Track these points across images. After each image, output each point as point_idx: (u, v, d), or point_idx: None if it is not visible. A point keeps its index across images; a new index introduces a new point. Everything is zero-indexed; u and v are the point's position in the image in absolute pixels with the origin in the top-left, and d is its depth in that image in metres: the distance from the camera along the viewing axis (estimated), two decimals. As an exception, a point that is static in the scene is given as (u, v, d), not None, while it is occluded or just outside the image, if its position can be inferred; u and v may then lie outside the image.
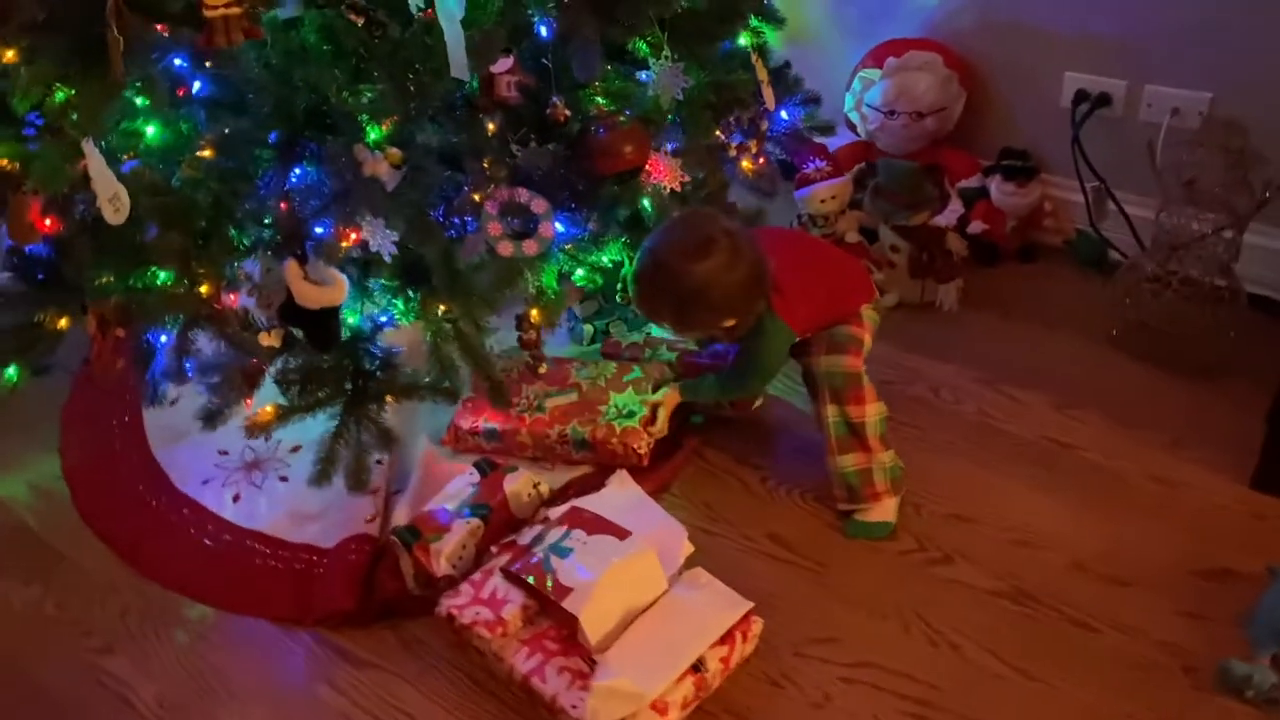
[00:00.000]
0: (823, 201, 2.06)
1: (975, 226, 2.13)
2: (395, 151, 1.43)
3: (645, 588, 1.41)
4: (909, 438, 1.76)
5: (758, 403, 1.84)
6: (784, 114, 1.90)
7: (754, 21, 1.85)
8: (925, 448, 1.76)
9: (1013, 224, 2.15)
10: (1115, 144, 2.01)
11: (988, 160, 2.18)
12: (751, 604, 1.43)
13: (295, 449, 1.85)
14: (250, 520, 1.72)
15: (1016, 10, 2.06)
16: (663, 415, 1.71)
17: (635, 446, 1.69)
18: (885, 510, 1.62)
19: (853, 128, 2.25)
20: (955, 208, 2.14)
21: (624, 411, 1.71)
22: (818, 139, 2.03)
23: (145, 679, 1.50)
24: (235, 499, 1.77)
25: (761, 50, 1.87)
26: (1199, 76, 1.90)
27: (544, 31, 1.47)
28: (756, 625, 1.43)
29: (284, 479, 1.80)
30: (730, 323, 1.55)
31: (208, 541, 1.70)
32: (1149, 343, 1.88)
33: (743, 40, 1.83)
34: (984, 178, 2.17)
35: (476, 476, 1.64)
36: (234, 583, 1.62)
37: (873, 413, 1.60)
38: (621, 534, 1.44)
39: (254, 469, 1.82)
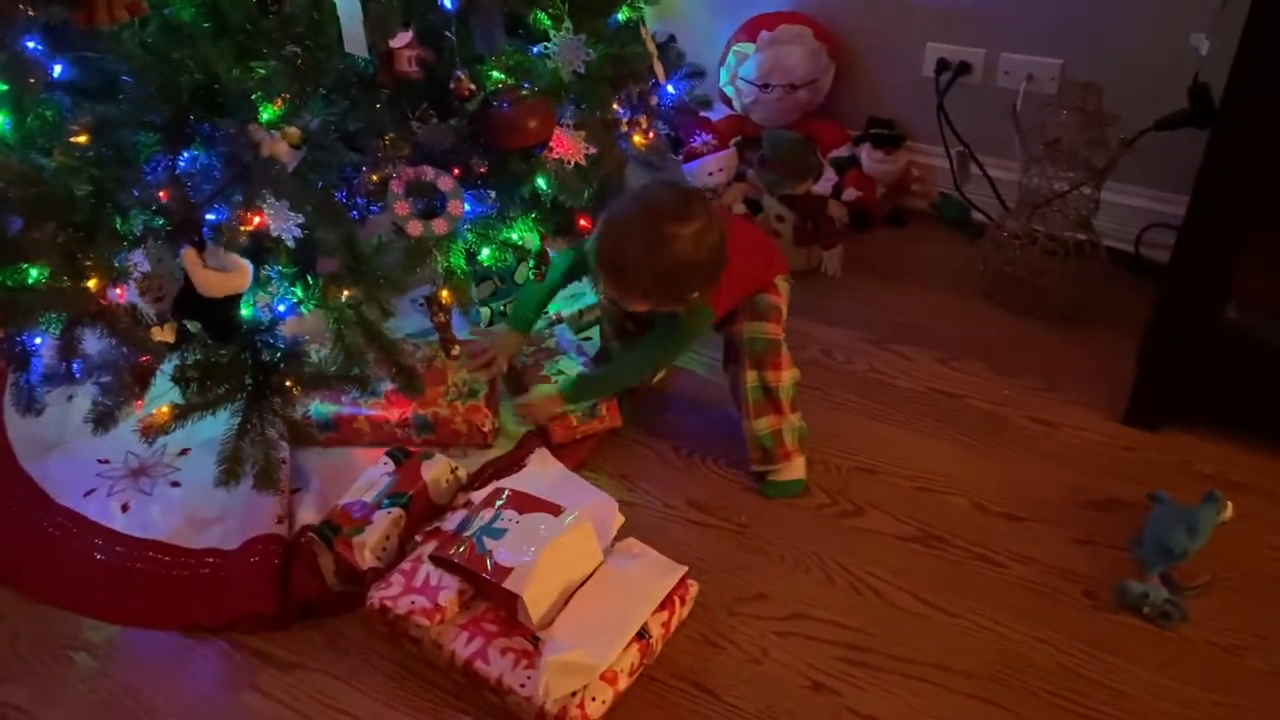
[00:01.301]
0: (710, 174, 2.10)
1: (849, 194, 2.21)
2: (294, 130, 1.37)
3: (583, 561, 1.41)
4: (811, 399, 1.81)
5: (660, 375, 1.86)
6: (670, 88, 1.92)
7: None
8: (827, 407, 1.82)
9: (883, 190, 2.24)
10: (976, 110, 2.12)
11: (856, 130, 2.27)
12: (686, 568, 1.45)
13: (183, 452, 1.76)
14: (145, 530, 1.62)
15: (875, -18, 2.15)
16: (528, 418, 1.73)
17: (479, 424, 1.69)
18: (796, 469, 1.67)
19: (728, 102, 2.29)
20: (829, 177, 2.22)
21: (465, 390, 1.70)
22: (702, 113, 2.06)
23: (49, 707, 1.39)
24: (124, 509, 1.66)
25: (645, 27, 1.88)
26: (1051, 43, 2.03)
27: (446, 4, 1.44)
28: (692, 589, 1.46)
29: (176, 484, 1.70)
30: (695, 294, 1.52)
31: (99, 556, 1.59)
32: (1019, 296, 2.01)
33: (623, 16, 1.84)
34: (854, 147, 2.26)
35: (392, 466, 1.60)
36: (135, 596, 1.52)
37: (787, 378, 1.64)
38: (555, 510, 1.43)
39: (140, 476, 1.72)
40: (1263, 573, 1.50)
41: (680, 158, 2.13)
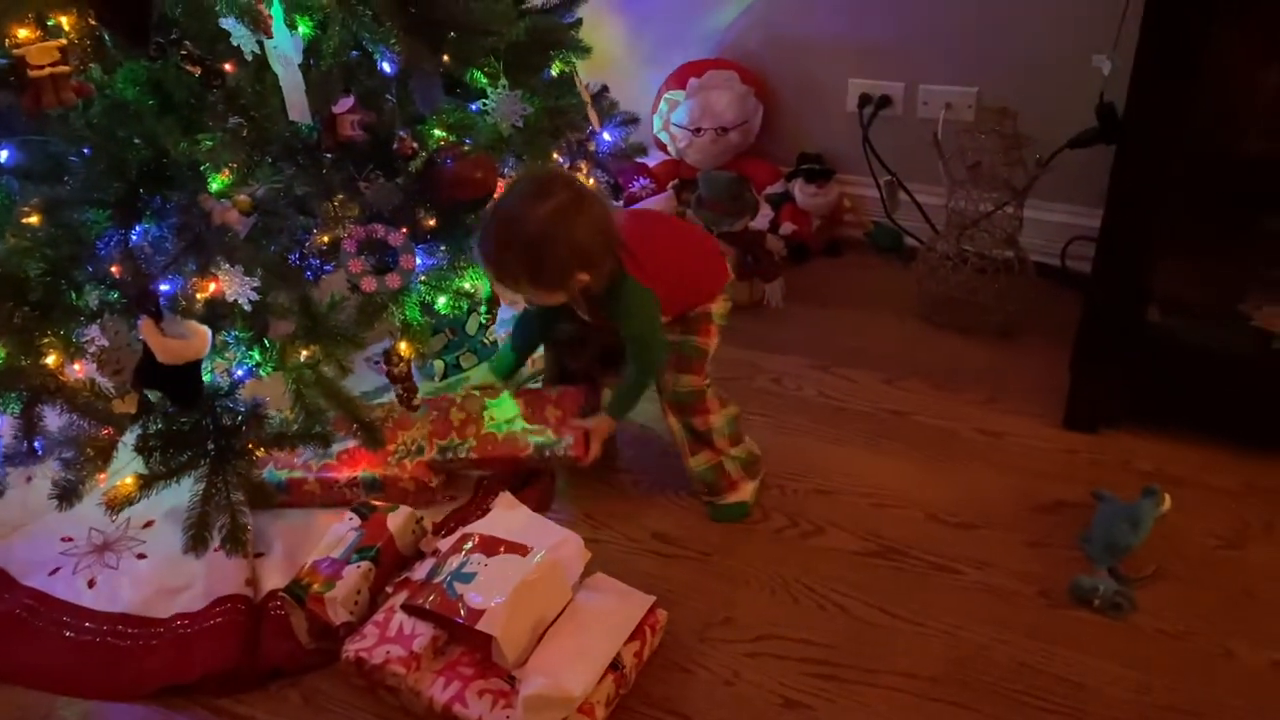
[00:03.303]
0: (650, 216, 2.17)
1: (785, 228, 2.29)
2: (244, 198, 1.41)
3: (553, 599, 1.44)
4: (764, 426, 1.87)
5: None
6: (606, 135, 1.98)
7: (563, 52, 1.94)
8: (780, 432, 1.88)
9: (818, 223, 2.33)
10: (900, 140, 2.22)
11: (788, 166, 2.35)
12: (654, 598, 1.48)
13: (148, 524, 1.76)
14: (113, 604, 1.62)
15: (798, 26, 2.25)
16: (595, 442, 1.70)
17: (426, 481, 1.72)
18: (741, 493, 1.71)
19: (663, 147, 2.37)
20: (765, 213, 2.29)
21: (413, 448, 1.74)
22: (638, 159, 2.13)
23: (27, 786, 1.39)
24: (91, 584, 1.66)
25: (578, 78, 1.96)
26: (966, 73, 2.14)
27: (385, 68, 1.49)
28: (662, 617, 1.49)
29: (142, 556, 1.70)
30: (585, 276, 1.51)
31: (69, 633, 1.58)
32: (955, 314, 2.09)
33: (556, 69, 1.90)
34: (787, 183, 2.34)
35: (357, 521, 1.62)
36: (107, 669, 1.52)
37: (718, 420, 1.68)
38: (522, 550, 1.46)
39: (106, 550, 1.72)
40: (1203, 560, 1.57)
41: (620, 202, 2.19)
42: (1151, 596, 1.51)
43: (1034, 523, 1.66)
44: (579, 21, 1.99)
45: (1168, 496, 1.58)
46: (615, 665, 1.39)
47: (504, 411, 1.75)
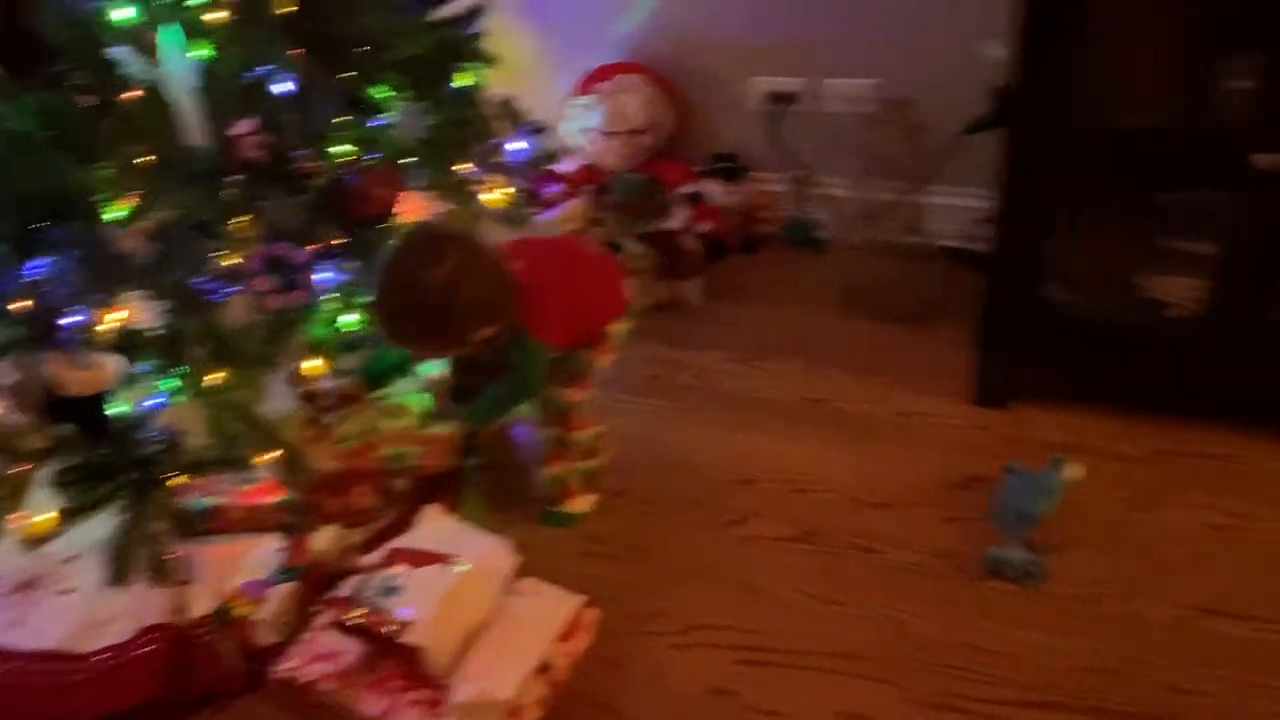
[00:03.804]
0: (565, 223, 2.19)
1: (702, 227, 2.32)
2: (145, 225, 1.40)
3: (480, 606, 1.45)
4: (688, 421, 1.91)
5: None
6: (517, 144, 2.00)
7: (468, 63, 1.95)
8: (702, 425, 1.91)
9: (733, 220, 2.36)
10: (807, 135, 2.27)
11: (702, 166, 2.39)
12: (583, 597, 1.50)
13: (71, 559, 1.73)
14: (38, 641, 1.59)
15: (703, 27, 2.29)
16: (439, 450, 1.70)
17: (353, 503, 1.68)
18: (578, 504, 1.74)
19: (575, 153, 2.39)
20: (681, 212, 2.32)
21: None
22: (550, 166, 2.15)
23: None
24: (13, 624, 1.63)
25: (485, 87, 1.97)
26: (865, 66, 2.19)
27: (283, 87, 1.49)
28: (592, 616, 1.51)
29: (66, 592, 1.68)
30: (486, 331, 1.52)
31: (-7, 674, 1.56)
32: (869, 302, 2.14)
33: (463, 80, 1.92)
34: (701, 182, 2.38)
35: (281, 542, 1.62)
36: (38, 707, 1.50)
37: (584, 435, 1.70)
38: (447, 560, 1.47)
39: (28, 589, 1.69)
40: (1111, 525, 1.63)
41: (535, 209, 2.21)
42: (1062, 563, 1.56)
43: (950, 499, 1.71)
44: (483, 33, 2.01)
45: (1075, 466, 1.64)
46: (544, 666, 1.41)
47: (358, 423, 1.74)
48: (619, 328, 1.72)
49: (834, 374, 2.02)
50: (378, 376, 1.86)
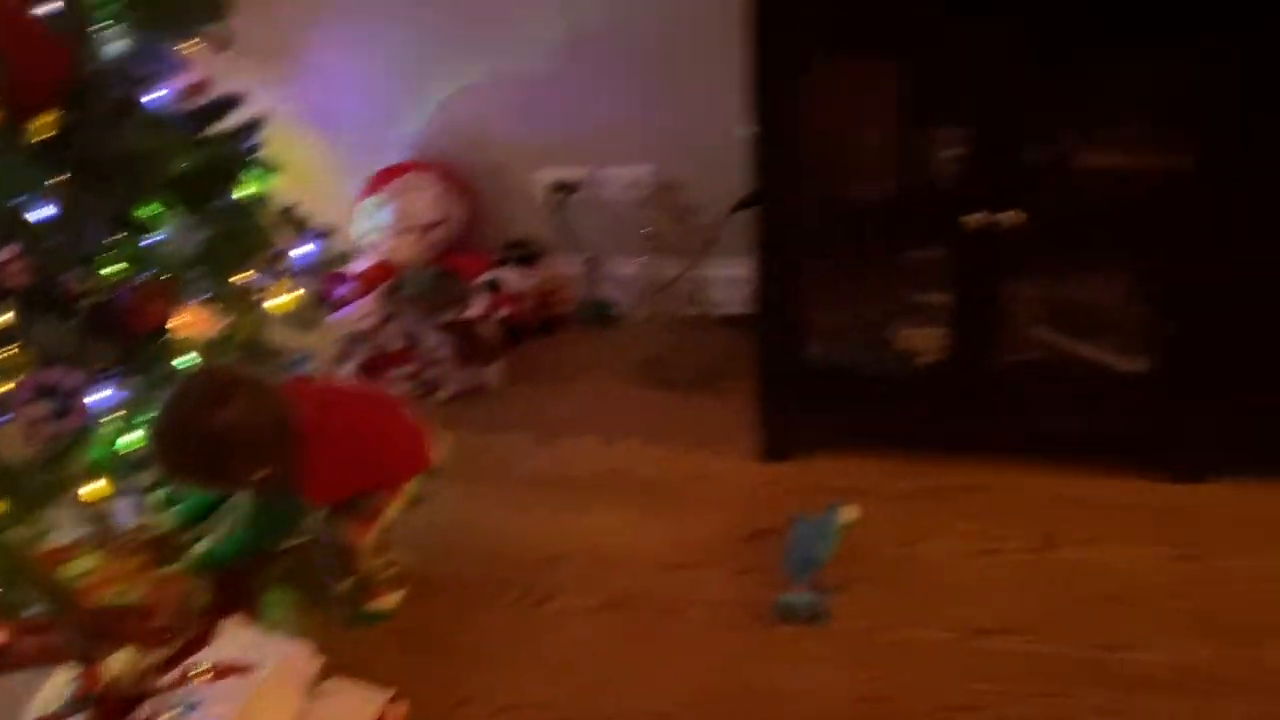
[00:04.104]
0: (359, 320, 2.23)
1: (500, 313, 2.40)
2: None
3: (283, 711, 1.45)
4: (494, 503, 1.95)
5: None
6: (302, 249, 2.03)
7: (247, 173, 1.99)
8: (509, 507, 1.96)
9: (530, 304, 2.45)
10: (592, 219, 2.39)
11: (496, 254, 2.47)
12: (391, 691, 1.52)
13: None
14: None
15: (486, 123, 2.39)
16: (169, 591, 1.61)
17: (147, 621, 1.60)
18: (385, 601, 1.74)
19: (369, 252, 2.44)
20: (480, 301, 2.39)
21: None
22: (340, 267, 2.19)
23: None
24: None
25: (267, 196, 2.01)
26: (640, 154, 2.33)
27: (43, 213, 1.49)
28: (400, 709, 1.52)
29: None
30: (265, 471, 1.54)
31: None
32: (659, 373, 2.25)
33: (243, 190, 1.95)
34: (497, 270, 2.46)
35: (74, 670, 1.57)
36: None
37: (370, 566, 1.70)
38: (249, 669, 1.46)
39: None
40: (886, 559, 1.76)
41: (326, 311, 2.24)
42: (846, 601, 1.68)
43: (744, 552, 1.81)
44: (262, 143, 2.05)
45: (851, 508, 1.77)
46: (354, 764, 1.41)
47: (85, 563, 1.68)
48: (417, 483, 1.72)
49: (631, 444, 2.11)
50: (195, 515, 1.83)
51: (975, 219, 1.65)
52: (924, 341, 1.86)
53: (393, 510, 1.68)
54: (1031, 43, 1.55)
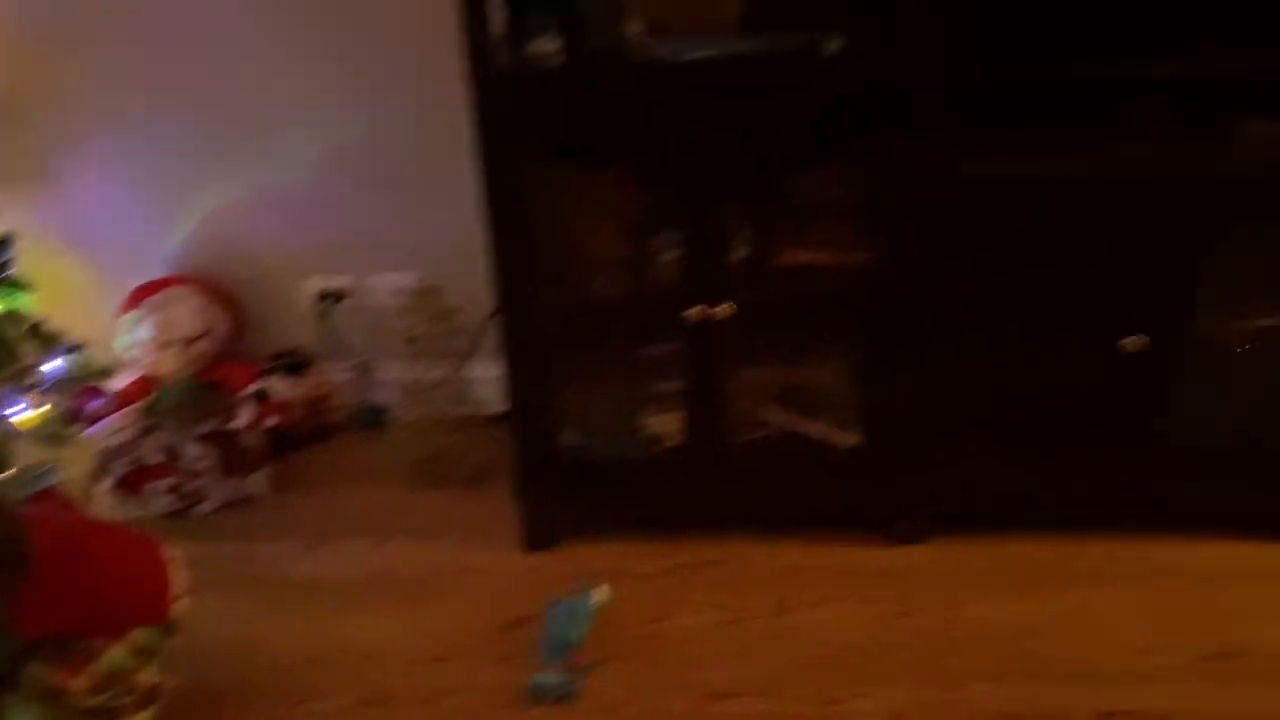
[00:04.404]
0: (114, 434, 2.20)
1: (269, 421, 2.41)
2: None
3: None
4: (259, 612, 1.95)
5: None
6: (54, 364, 2.02)
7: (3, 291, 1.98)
8: (274, 614, 1.96)
9: (301, 412, 2.47)
10: (360, 326, 2.45)
11: (264, 364, 2.49)
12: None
13: None
14: None
15: (251, 234, 2.43)
16: None
17: None
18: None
19: (130, 367, 2.42)
20: (247, 410, 2.40)
21: None
22: (96, 382, 2.17)
23: None
24: None
25: (18, 314, 1.99)
26: (406, 261, 2.42)
27: None
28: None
29: None
30: None
31: None
32: (429, 473, 2.31)
33: (-5, 309, 1.94)
34: (266, 379, 2.47)
35: None
36: None
37: (96, 702, 1.57)
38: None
39: None
40: (637, 635, 1.85)
41: (81, 426, 2.20)
42: (598, 678, 1.75)
43: (503, 641, 1.87)
44: (11, 261, 2.05)
45: (602, 589, 1.86)
46: None
47: None
48: (147, 635, 1.62)
49: (399, 544, 2.15)
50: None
51: (694, 313, 1.81)
52: (667, 426, 2.00)
53: (115, 656, 1.57)
54: (734, 155, 1.74)
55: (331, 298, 2.44)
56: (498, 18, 1.78)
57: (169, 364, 2.35)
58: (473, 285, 2.27)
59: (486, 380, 2.42)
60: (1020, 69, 1.71)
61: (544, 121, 1.75)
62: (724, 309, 1.80)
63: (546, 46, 1.75)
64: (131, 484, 2.22)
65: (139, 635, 1.59)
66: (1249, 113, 1.69)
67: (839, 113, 1.71)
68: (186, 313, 2.35)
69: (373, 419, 2.51)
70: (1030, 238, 1.77)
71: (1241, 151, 1.72)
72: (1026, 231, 1.76)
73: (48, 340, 2.03)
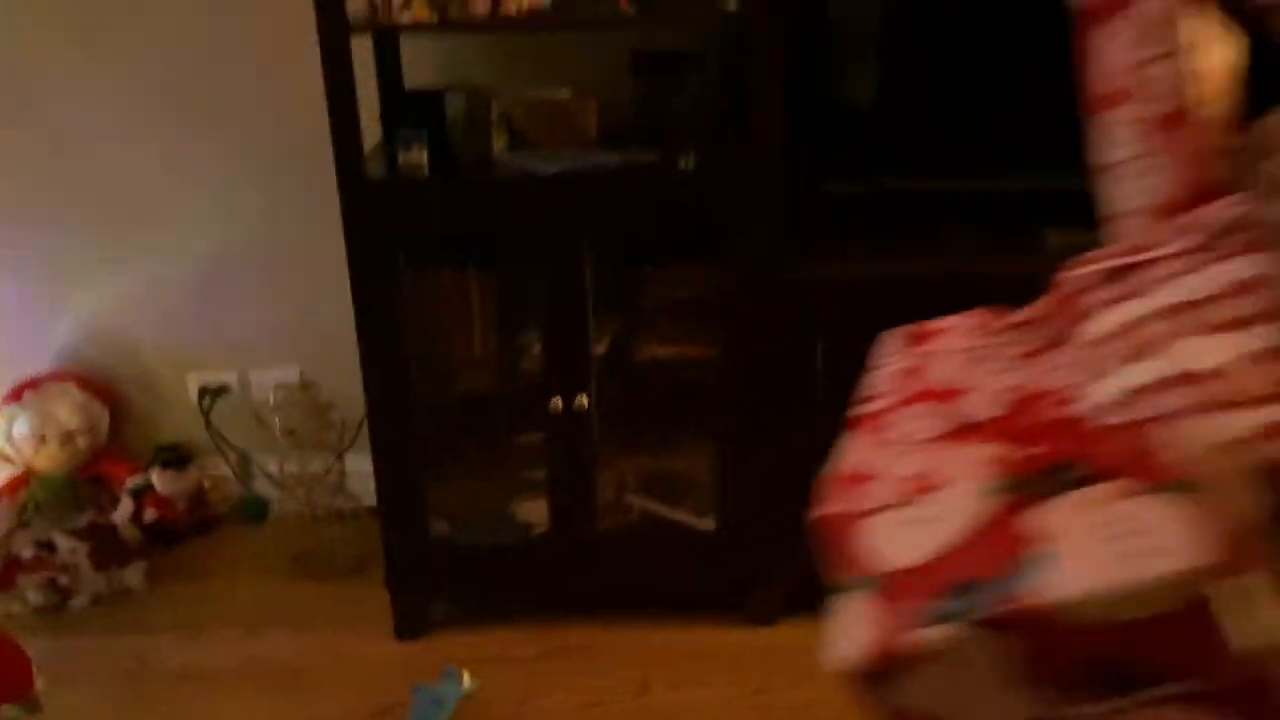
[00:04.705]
0: (-17, 529, 2.21)
1: (149, 514, 2.43)
2: None
3: None
4: (128, 704, 1.97)
5: None
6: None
7: None
8: (141, 707, 1.98)
9: (183, 505, 2.50)
10: (244, 419, 2.50)
11: (146, 458, 2.52)
12: None
13: None
14: None
15: (132, 329, 2.49)
16: None
17: None
18: None
19: (9, 460, 2.43)
20: (125, 504, 2.42)
21: None
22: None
23: None
24: None
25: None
26: (286, 357, 2.49)
27: None
28: None
29: None
30: None
31: None
32: (308, 564, 2.35)
33: None
34: (147, 473, 2.50)
35: None
36: None
37: None
38: None
39: None
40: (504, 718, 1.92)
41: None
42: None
43: (370, 728, 1.91)
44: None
45: (467, 674, 1.92)
46: None
47: None
48: (13, 711, 1.64)
49: (275, 633, 2.17)
50: None
51: (555, 404, 1.92)
52: (536, 513, 2.09)
53: None
54: (592, 257, 1.88)
55: (213, 393, 2.50)
56: (371, 130, 1.91)
57: (46, 459, 2.37)
58: (350, 380, 2.34)
59: (363, 473, 2.48)
60: (853, 185, 1.89)
61: (413, 227, 1.87)
62: (581, 400, 1.91)
63: (416, 158, 1.87)
64: (4, 578, 2.21)
65: (5, 711, 1.61)
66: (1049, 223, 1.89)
67: (688, 220, 1.87)
68: (67, 407, 2.38)
69: (252, 512, 2.55)
70: (863, 330, 1.92)
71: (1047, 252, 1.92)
72: (860, 325, 1.92)
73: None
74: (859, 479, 0.87)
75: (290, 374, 2.48)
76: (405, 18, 1.81)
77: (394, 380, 1.92)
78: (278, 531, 2.43)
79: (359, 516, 2.38)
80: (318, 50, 1.77)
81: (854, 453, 0.91)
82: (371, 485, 2.47)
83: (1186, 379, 0.72)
